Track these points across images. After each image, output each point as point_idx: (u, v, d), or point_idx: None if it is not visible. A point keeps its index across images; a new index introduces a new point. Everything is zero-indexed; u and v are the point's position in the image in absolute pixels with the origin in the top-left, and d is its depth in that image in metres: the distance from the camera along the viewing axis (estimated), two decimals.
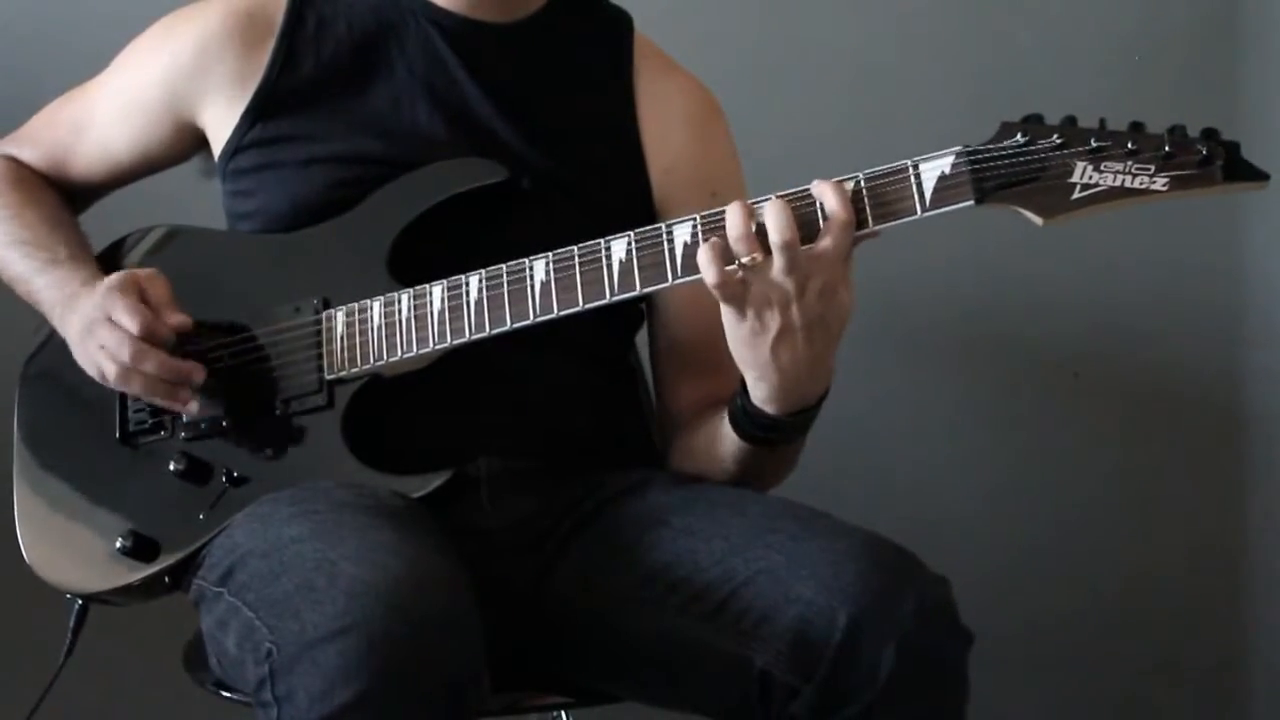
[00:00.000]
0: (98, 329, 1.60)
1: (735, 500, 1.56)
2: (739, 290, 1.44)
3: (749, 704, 1.45)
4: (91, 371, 1.63)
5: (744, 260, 1.43)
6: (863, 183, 1.44)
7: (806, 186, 1.45)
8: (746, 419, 1.54)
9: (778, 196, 1.44)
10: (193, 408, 1.61)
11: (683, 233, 1.49)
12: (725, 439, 1.59)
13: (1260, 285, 2.54)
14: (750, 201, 1.45)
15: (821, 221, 1.43)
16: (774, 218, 1.42)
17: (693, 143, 1.75)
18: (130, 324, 1.57)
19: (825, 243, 1.43)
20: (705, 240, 1.45)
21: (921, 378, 2.54)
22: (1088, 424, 2.56)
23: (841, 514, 1.53)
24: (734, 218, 1.44)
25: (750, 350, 1.47)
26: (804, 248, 1.42)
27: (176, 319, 1.60)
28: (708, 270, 1.43)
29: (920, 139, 1.49)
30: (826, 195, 1.43)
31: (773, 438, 1.55)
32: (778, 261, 1.42)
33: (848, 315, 1.47)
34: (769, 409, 1.52)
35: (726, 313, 1.46)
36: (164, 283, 1.62)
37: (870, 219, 1.43)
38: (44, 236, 1.74)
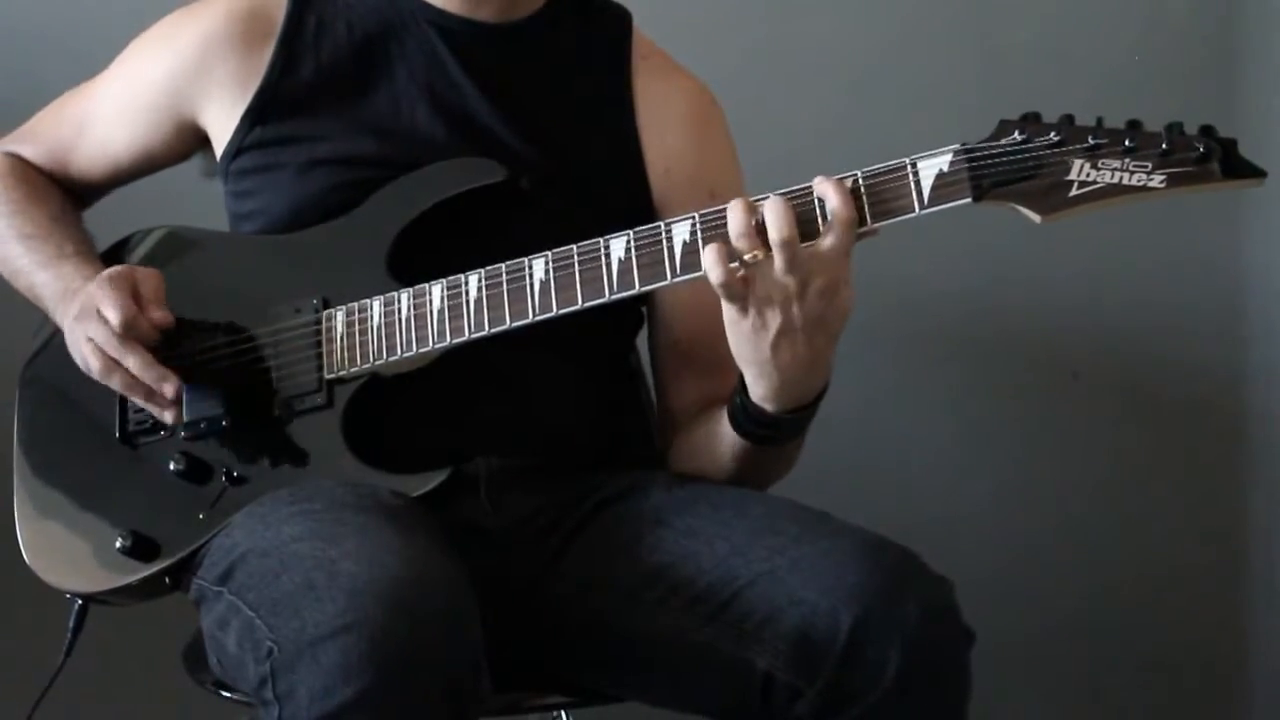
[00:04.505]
0: (86, 320, 1.60)
1: (737, 501, 1.56)
2: (741, 288, 1.44)
3: (750, 705, 1.45)
4: (79, 361, 1.63)
5: (745, 257, 1.43)
6: (861, 180, 1.44)
7: (808, 184, 1.45)
8: (745, 417, 1.54)
9: (777, 194, 1.44)
10: (167, 417, 1.61)
11: (682, 231, 1.49)
12: (724, 437, 1.59)
13: (1260, 285, 2.54)
14: (751, 199, 1.45)
15: (822, 221, 1.43)
16: (773, 216, 1.42)
17: (691, 144, 1.75)
18: (113, 316, 1.57)
19: (827, 241, 1.42)
20: (705, 239, 1.45)
21: (921, 378, 2.54)
22: (1088, 424, 2.56)
23: (842, 514, 1.53)
24: (735, 214, 1.44)
25: (751, 348, 1.47)
26: (805, 245, 1.42)
27: (159, 315, 1.59)
28: (713, 270, 1.43)
29: (920, 138, 1.48)
30: (828, 194, 1.42)
31: (771, 435, 1.55)
32: (778, 260, 1.42)
33: (848, 314, 1.47)
34: (768, 406, 1.52)
35: (728, 310, 1.46)
36: (157, 280, 1.62)
37: (869, 217, 1.43)
38: (48, 233, 1.74)
